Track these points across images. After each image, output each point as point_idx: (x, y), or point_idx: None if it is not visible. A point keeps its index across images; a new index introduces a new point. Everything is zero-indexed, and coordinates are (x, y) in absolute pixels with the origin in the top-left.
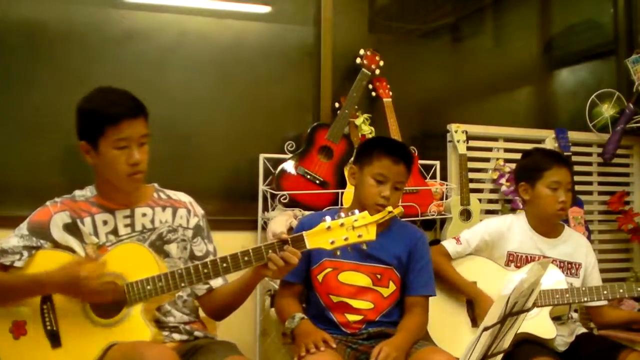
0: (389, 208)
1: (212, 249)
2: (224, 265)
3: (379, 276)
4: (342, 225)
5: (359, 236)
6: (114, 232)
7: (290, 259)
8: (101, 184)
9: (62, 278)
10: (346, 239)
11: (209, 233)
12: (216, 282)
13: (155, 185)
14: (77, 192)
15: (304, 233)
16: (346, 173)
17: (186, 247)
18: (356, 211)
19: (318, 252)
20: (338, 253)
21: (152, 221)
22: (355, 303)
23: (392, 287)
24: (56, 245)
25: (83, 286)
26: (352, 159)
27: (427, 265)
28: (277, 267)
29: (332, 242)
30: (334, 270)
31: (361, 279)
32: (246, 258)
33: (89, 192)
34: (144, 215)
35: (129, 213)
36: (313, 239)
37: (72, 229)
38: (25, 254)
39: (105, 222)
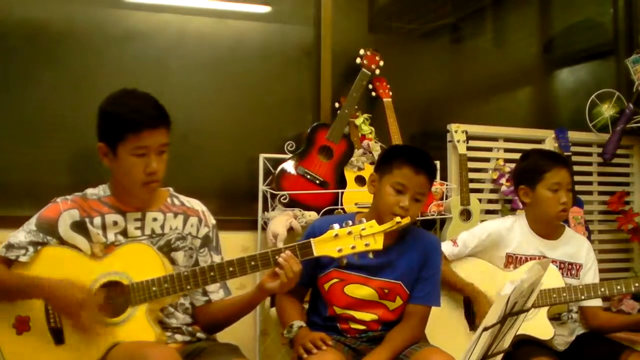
0: (397, 218)
1: (219, 261)
2: (231, 269)
3: (386, 291)
4: (349, 233)
5: (366, 245)
6: (123, 233)
7: (294, 266)
8: (116, 185)
9: (61, 294)
10: (353, 247)
11: (218, 244)
12: (216, 295)
13: (170, 189)
14: (89, 190)
15: (312, 240)
16: (347, 174)
17: (192, 256)
18: (363, 219)
19: (327, 261)
20: (345, 261)
21: (163, 227)
22: (359, 315)
23: (399, 301)
24: (62, 242)
25: (74, 311)
26: (351, 158)
27: (434, 276)
28: (285, 276)
29: (340, 250)
30: (341, 282)
31: (367, 292)
32: (253, 263)
33: (102, 191)
34: (155, 220)
35: (140, 216)
36: (320, 246)
37: (80, 227)
38: (31, 249)
39: (115, 223)
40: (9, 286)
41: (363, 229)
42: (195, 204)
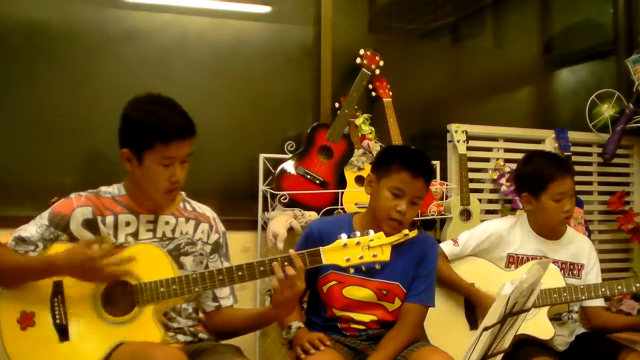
0: (405, 231)
1: None
2: (240, 273)
3: (384, 292)
4: (358, 244)
5: (374, 256)
6: (135, 234)
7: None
8: (132, 186)
9: (71, 257)
10: (361, 258)
11: (228, 251)
12: (227, 301)
13: (183, 194)
14: (103, 188)
15: (321, 249)
16: (347, 174)
17: (202, 262)
18: (371, 231)
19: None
20: (352, 271)
21: (174, 231)
22: (358, 316)
23: (398, 302)
24: (72, 238)
25: (90, 266)
26: (351, 158)
27: (429, 275)
28: (282, 282)
29: (348, 260)
30: (339, 284)
31: (365, 294)
32: (262, 268)
33: (116, 190)
34: (167, 223)
35: (152, 219)
36: (329, 255)
37: (91, 225)
38: (41, 245)
39: (127, 223)
40: (23, 265)
41: (371, 240)
42: (207, 210)
